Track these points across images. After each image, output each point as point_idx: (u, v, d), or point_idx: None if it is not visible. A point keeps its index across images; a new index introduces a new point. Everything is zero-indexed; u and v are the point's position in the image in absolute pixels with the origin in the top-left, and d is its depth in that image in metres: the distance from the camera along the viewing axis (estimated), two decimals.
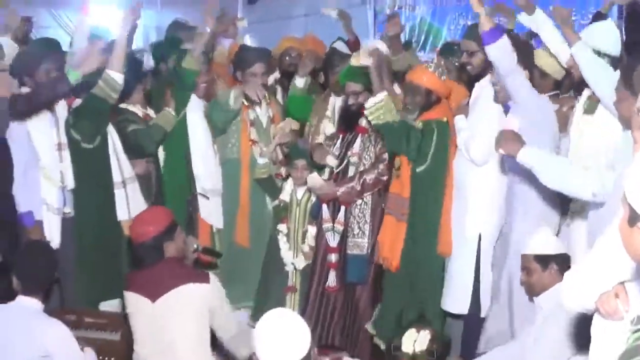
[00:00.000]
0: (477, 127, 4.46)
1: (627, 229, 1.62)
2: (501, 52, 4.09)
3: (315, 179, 4.90)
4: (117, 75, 4.55)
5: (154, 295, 3.57)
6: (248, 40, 5.87)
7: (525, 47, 4.46)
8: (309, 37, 6.47)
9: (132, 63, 5.05)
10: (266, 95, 5.41)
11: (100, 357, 4.02)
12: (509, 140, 3.73)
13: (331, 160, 5.01)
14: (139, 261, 3.73)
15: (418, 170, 4.59)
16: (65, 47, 5.27)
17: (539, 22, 4.46)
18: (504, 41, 4.07)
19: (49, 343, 3.41)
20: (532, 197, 4.18)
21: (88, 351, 3.69)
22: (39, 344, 3.39)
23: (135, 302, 3.65)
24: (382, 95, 4.55)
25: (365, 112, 4.63)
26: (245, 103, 5.27)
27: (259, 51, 5.42)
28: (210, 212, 5.22)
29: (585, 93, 4.08)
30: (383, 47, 4.91)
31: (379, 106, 4.54)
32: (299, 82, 5.55)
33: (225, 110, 5.17)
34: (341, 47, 5.79)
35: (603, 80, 3.88)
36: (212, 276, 3.67)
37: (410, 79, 4.74)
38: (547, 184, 3.67)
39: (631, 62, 3.59)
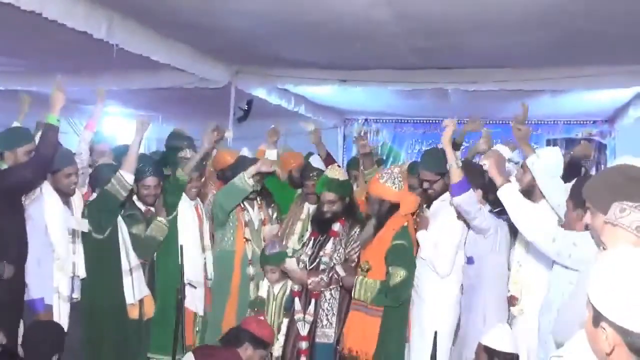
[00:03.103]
0: (440, 243, 4.48)
1: (592, 329, 1.61)
2: (467, 201, 4.14)
3: (292, 263, 4.92)
4: (128, 176, 4.62)
5: None
6: (246, 152, 5.83)
7: (478, 170, 4.47)
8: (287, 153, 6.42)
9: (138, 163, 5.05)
10: (258, 200, 5.44)
11: None
12: (497, 167, 3.73)
13: (291, 263, 4.96)
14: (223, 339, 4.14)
15: None
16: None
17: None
18: (470, 194, 4.13)
19: None
20: (489, 300, 4.19)
21: None
22: None
23: None
24: (358, 281, 4.54)
25: (354, 296, 4.58)
26: (242, 206, 5.30)
27: (254, 161, 5.39)
28: (194, 300, 5.13)
29: None
30: None
31: (358, 289, 4.52)
32: (270, 154, 5.61)
33: (242, 189, 5.15)
34: (315, 160, 5.79)
35: (553, 187, 4.03)
36: None
37: (368, 190, 4.79)
38: (515, 223, 3.62)
39: (581, 180, 3.68)
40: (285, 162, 5.99)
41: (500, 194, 3.65)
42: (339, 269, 4.76)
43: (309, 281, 4.81)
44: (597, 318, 1.57)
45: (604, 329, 1.54)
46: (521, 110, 4.65)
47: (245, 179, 5.12)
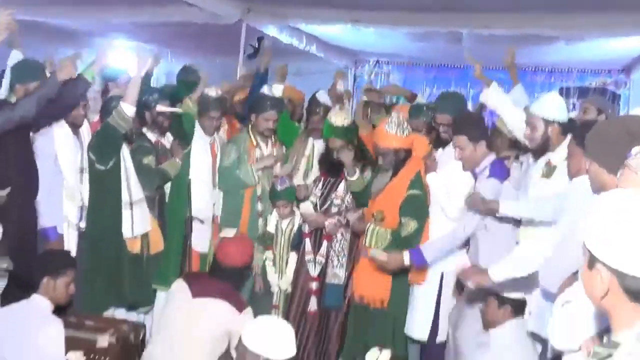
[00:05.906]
0: (451, 188, 4.45)
1: (587, 273, 1.59)
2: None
3: (308, 207, 4.90)
4: (128, 108, 4.55)
5: (196, 293, 3.64)
6: (266, 89, 5.73)
7: (480, 121, 4.48)
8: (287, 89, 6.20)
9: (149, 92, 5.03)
10: (273, 137, 5.39)
11: (97, 357, 3.96)
12: (482, 204, 3.86)
13: (307, 207, 4.96)
14: (214, 271, 3.93)
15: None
16: None
17: (495, 100, 4.54)
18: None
19: (40, 336, 3.39)
20: (495, 248, 4.19)
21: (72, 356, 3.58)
22: (34, 336, 3.38)
23: (180, 289, 3.72)
24: (370, 230, 4.49)
25: (366, 244, 4.49)
26: (254, 143, 5.27)
27: (275, 100, 5.37)
28: (198, 237, 5.15)
29: (543, 159, 4.08)
30: None
31: (369, 238, 4.47)
32: (276, 88, 5.69)
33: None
34: (321, 95, 5.73)
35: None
36: (249, 310, 3.68)
37: (377, 143, 4.65)
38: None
39: (584, 123, 3.70)
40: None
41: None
42: (350, 215, 4.74)
43: (327, 223, 4.82)
44: (592, 261, 1.56)
45: (599, 271, 1.54)
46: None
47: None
